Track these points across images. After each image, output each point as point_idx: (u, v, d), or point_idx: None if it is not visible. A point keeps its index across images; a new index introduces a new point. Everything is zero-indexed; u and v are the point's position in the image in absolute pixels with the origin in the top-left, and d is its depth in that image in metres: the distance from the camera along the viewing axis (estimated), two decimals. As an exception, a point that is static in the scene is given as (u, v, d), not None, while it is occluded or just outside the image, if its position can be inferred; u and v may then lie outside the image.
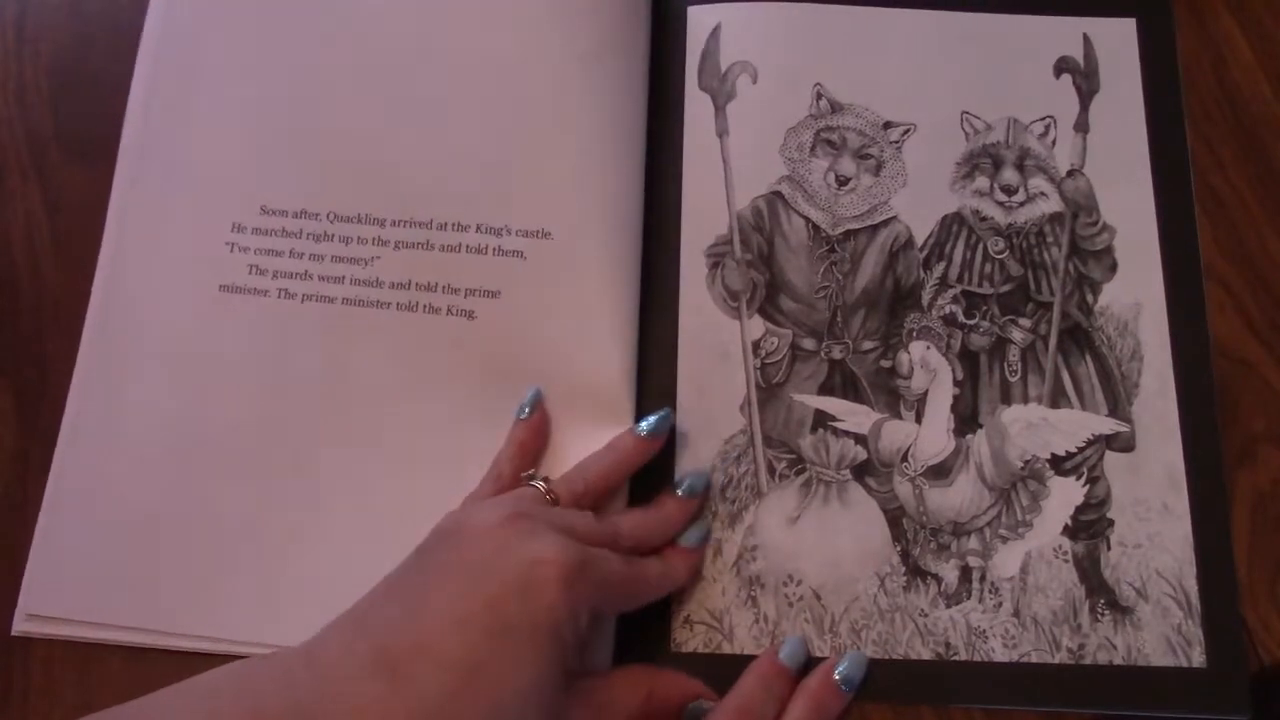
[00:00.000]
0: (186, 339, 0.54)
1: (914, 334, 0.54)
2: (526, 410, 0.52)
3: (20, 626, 0.50)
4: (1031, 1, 0.59)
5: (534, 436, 0.52)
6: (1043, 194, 0.57)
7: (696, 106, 0.58)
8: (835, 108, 0.58)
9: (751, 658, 0.49)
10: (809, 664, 0.49)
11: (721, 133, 0.58)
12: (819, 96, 0.58)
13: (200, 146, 0.57)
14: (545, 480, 0.48)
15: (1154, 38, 0.59)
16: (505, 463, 0.51)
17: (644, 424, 0.51)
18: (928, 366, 0.54)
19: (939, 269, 0.55)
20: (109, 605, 0.50)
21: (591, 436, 0.52)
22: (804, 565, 0.51)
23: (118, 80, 0.58)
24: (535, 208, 0.55)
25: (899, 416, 0.53)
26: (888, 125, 0.58)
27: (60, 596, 0.51)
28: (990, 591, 0.50)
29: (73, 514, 0.52)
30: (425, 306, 0.54)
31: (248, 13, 0.58)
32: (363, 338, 0.54)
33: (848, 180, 0.57)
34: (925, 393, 0.53)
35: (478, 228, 0.55)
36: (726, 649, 0.50)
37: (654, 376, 0.54)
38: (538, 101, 0.56)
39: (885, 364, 0.54)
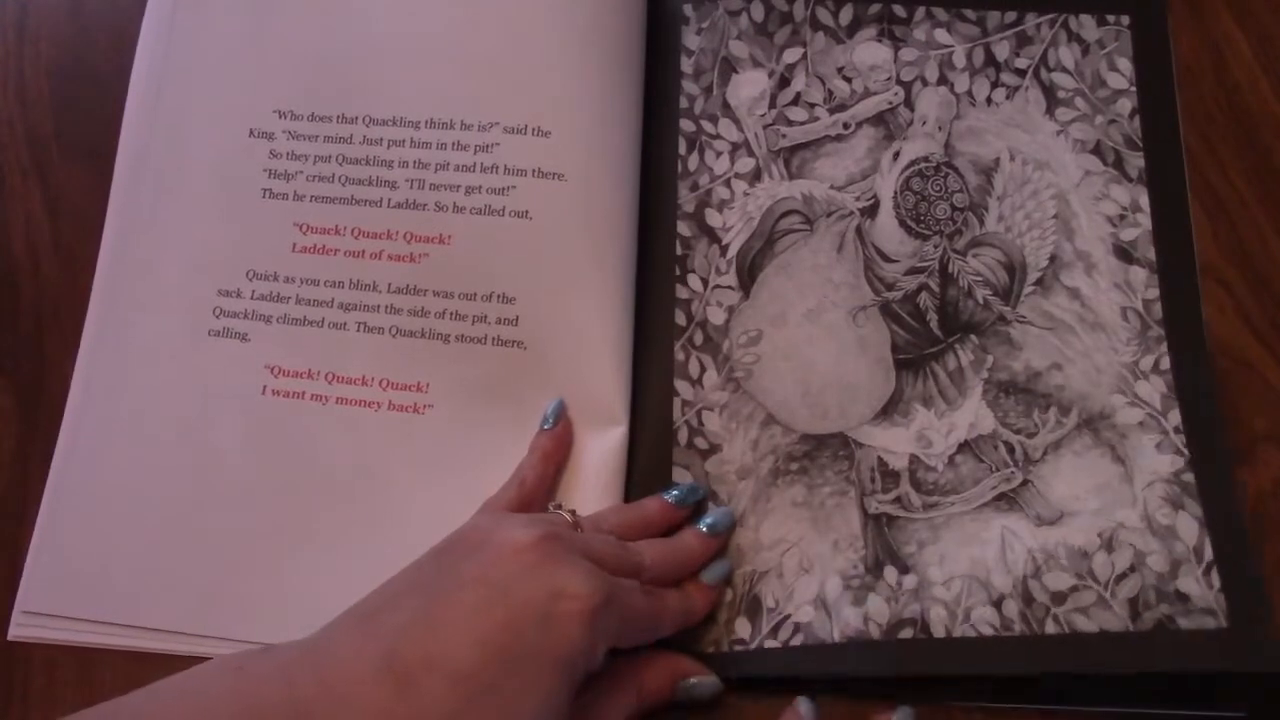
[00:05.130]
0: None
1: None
2: (550, 420, 0.52)
3: (17, 628, 0.50)
4: (1024, -2, 0.60)
5: (558, 447, 0.52)
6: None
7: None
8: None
9: (749, 651, 0.49)
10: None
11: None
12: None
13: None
14: (573, 513, 0.48)
15: (1148, 34, 0.59)
16: (528, 470, 0.51)
17: (674, 493, 0.51)
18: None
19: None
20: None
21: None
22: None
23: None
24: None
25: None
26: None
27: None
28: None
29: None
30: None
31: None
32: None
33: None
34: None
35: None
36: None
37: (651, 356, 0.54)
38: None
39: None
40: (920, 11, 0.60)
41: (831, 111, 0.58)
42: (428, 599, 0.41)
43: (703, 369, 0.54)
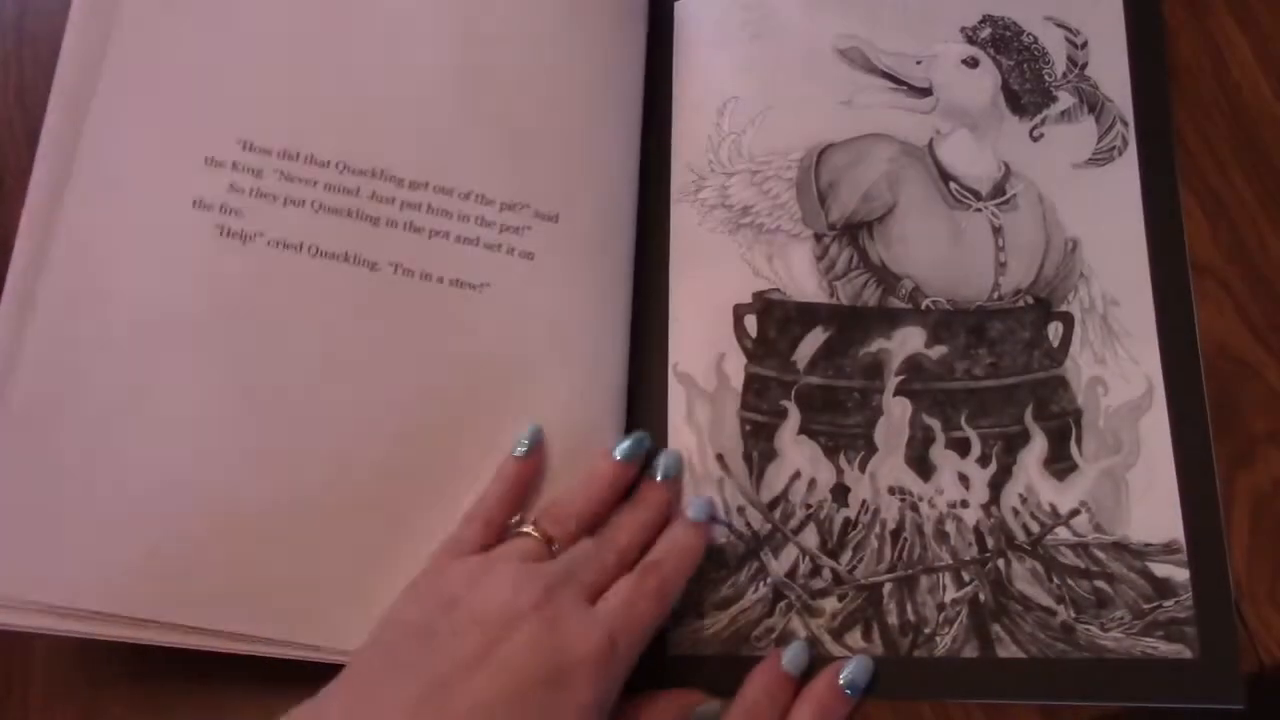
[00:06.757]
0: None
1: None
2: (524, 447, 0.50)
3: None
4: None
5: (531, 476, 0.50)
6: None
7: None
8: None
9: (749, 658, 0.49)
10: (813, 667, 0.49)
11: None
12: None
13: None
14: (535, 524, 0.47)
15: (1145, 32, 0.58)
16: (495, 505, 0.49)
17: (621, 448, 0.50)
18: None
19: None
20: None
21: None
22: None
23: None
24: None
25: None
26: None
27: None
28: None
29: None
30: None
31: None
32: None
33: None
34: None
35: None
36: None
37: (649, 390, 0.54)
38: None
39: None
40: None
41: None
42: (431, 676, 0.40)
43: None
